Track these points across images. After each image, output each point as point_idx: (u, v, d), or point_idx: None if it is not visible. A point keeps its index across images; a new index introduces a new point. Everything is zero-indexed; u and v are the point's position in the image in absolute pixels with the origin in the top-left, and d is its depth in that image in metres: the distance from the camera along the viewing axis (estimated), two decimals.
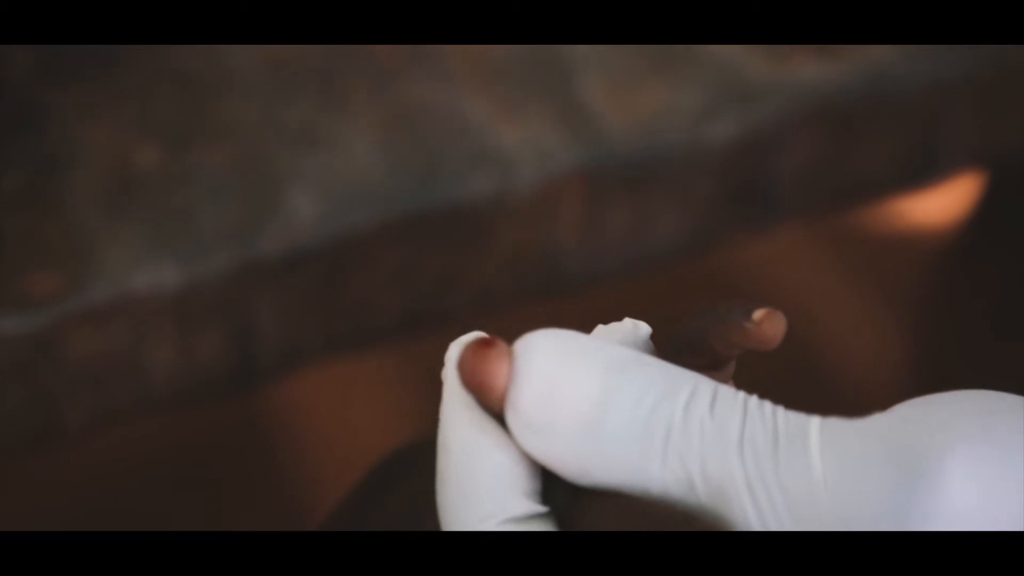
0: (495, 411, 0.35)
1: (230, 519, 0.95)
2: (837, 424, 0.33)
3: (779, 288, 1.07)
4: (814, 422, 0.34)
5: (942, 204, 1.07)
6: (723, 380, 0.39)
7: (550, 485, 0.36)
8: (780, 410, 0.34)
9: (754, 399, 0.34)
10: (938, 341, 1.03)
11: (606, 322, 1.04)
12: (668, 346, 0.39)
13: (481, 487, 0.35)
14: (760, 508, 0.33)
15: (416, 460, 0.44)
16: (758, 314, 0.36)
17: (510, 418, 0.35)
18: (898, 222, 1.09)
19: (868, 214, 1.09)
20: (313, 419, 0.96)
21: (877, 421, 0.33)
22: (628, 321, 0.38)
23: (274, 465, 0.97)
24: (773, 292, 1.07)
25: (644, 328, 0.38)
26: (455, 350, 0.37)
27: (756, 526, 0.33)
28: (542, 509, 0.35)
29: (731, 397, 0.34)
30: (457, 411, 0.36)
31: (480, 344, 0.35)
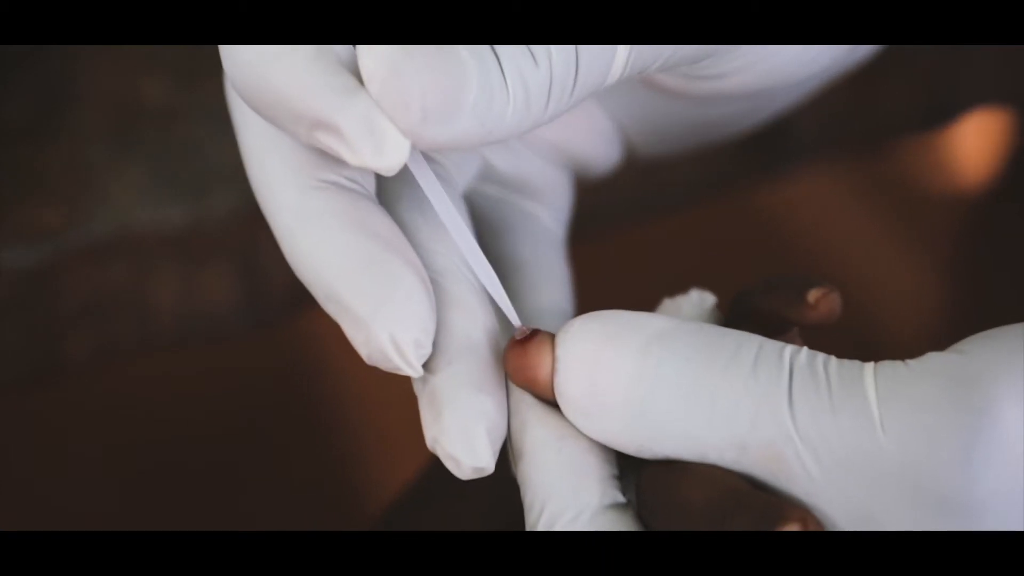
0: (550, 401, 0.35)
1: (239, 456, 0.95)
2: (891, 367, 0.33)
3: (806, 229, 1.06)
4: (868, 368, 0.33)
5: (971, 145, 1.06)
6: (789, 341, 0.38)
7: (624, 462, 0.36)
8: (832, 360, 0.33)
9: (803, 353, 0.33)
10: (973, 282, 1.03)
11: (624, 267, 1.03)
12: (731, 315, 0.38)
13: (555, 485, 0.35)
14: (820, 461, 0.32)
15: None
16: (813, 295, 0.36)
17: (561, 406, 0.35)
18: (928, 165, 1.08)
19: (898, 156, 1.08)
20: (323, 358, 0.96)
21: (931, 360, 0.33)
22: (694, 292, 0.38)
23: (282, 403, 0.97)
24: (799, 234, 1.06)
25: (709, 298, 0.38)
26: None
27: (818, 481, 0.32)
28: (620, 499, 0.35)
29: (775, 355, 0.33)
30: (522, 411, 0.36)
31: (519, 339, 0.35)
